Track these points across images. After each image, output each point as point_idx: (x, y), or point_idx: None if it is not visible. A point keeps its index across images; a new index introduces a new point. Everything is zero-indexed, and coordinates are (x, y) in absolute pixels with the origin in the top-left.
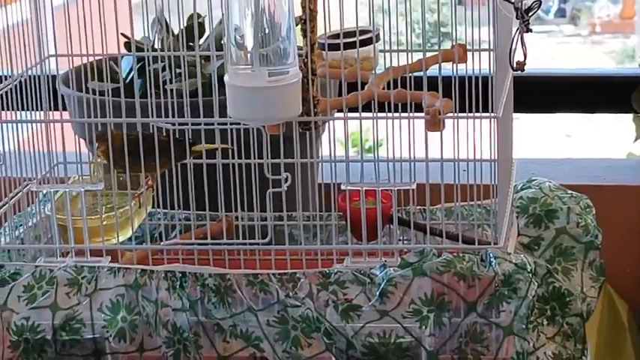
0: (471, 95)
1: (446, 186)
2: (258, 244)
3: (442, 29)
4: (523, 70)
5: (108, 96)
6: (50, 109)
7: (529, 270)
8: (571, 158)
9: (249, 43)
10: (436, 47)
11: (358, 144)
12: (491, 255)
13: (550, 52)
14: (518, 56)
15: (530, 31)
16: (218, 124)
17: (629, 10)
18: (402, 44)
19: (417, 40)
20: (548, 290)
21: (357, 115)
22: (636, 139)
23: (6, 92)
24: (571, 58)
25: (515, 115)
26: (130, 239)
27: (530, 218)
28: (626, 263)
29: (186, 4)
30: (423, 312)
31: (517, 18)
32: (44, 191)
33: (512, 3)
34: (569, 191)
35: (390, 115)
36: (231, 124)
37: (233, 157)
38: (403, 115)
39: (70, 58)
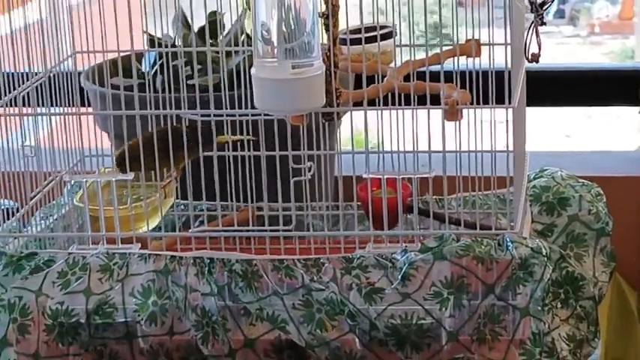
0: (486, 88)
1: (461, 177)
2: (283, 230)
3: (449, 30)
4: (537, 61)
5: (133, 91)
6: (76, 105)
7: (544, 254)
8: (579, 151)
9: (275, 38)
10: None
11: (374, 137)
12: (508, 240)
13: (549, 52)
14: (533, 48)
15: (545, 24)
16: (240, 115)
17: (628, 11)
18: (417, 40)
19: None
20: (561, 275)
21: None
22: None
23: (36, 88)
24: (570, 58)
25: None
26: (158, 228)
27: (543, 206)
28: (634, 252)
29: (207, 3)
30: (444, 294)
31: (532, 12)
32: (72, 182)
33: None
34: (581, 180)
35: (409, 106)
36: (252, 115)
37: (256, 149)
38: (424, 106)
39: (94, 55)
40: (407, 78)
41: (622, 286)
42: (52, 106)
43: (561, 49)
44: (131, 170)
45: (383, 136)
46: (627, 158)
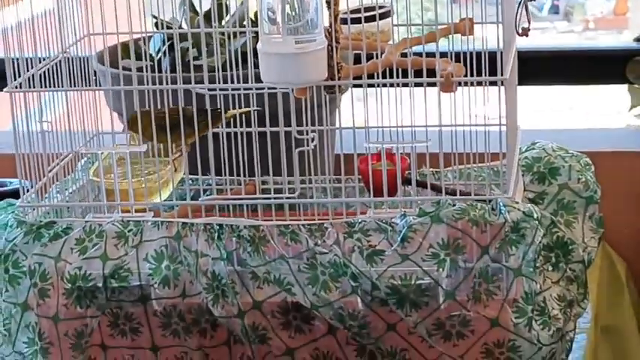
0: (480, 65)
1: (457, 152)
2: (290, 198)
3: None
4: (527, 35)
5: (144, 71)
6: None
7: (535, 217)
8: (571, 128)
9: (280, 19)
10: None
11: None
12: (502, 204)
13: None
14: (524, 23)
15: None
16: (245, 89)
17: (622, 6)
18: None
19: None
20: (552, 239)
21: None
22: (631, 108)
23: (49, 69)
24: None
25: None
26: (169, 199)
27: (534, 176)
28: (624, 224)
29: None
30: (441, 255)
31: None
32: (86, 158)
33: None
34: (570, 151)
35: (406, 79)
36: (257, 89)
37: (261, 125)
38: (420, 79)
39: (104, 37)
40: (405, 55)
41: (612, 257)
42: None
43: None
44: (142, 136)
45: (382, 110)
46: (618, 135)
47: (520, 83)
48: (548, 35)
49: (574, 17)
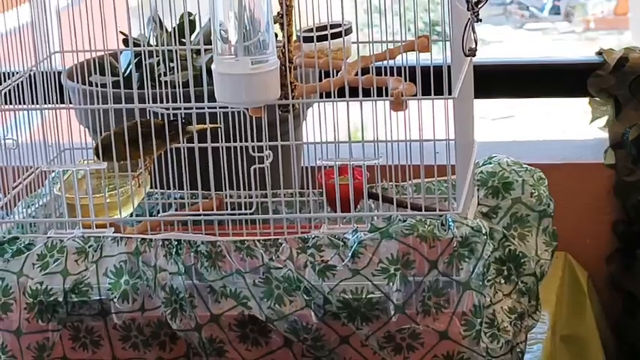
0: (436, 81)
1: (417, 165)
2: (245, 214)
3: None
4: (474, 55)
5: (111, 87)
6: (57, 102)
7: (484, 233)
8: (533, 140)
9: (233, 37)
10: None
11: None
12: (450, 219)
13: (544, 49)
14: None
15: (480, 21)
16: (208, 108)
17: (622, 6)
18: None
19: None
20: (504, 253)
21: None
22: (592, 121)
23: (16, 86)
24: (565, 55)
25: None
26: (130, 215)
27: (489, 190)
28: (586, 234)
29: (178, 4)
30: (390, 270)
31: (468, 10)
32: (53, 174)
33: None
34: (525, 165)
35: (356, 99)
36: (220, 107)
37: (222, 141)
38: (370, 98)
39: (73, 55)
40: (367, 72)
41: (574, 267)
42: (32, 103)
43: (557, 45)
44: (105, 160)
45: (338, 127)
46: (584, 146)
47: (482, 96)
48: (549, 37)
49: (575, 18)
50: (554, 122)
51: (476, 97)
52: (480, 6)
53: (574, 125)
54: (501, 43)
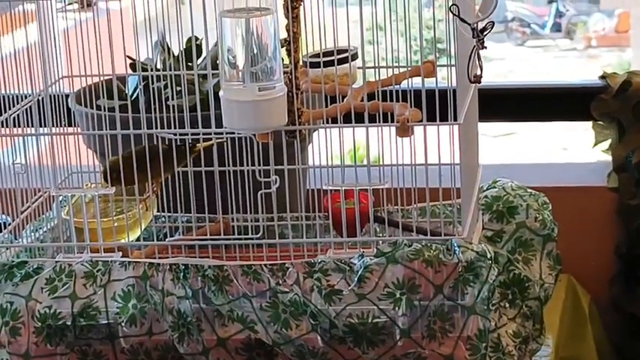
0: (441, 104)
1: (422, 189)
2: (252, 239)
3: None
4: (480, 82)
5: (118, 111)
6: (64, 126)
7: (489, 257)
8: (538, 163)
9: (241, 62)
10: (413, 63)
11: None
12: (456, 244)
13: (546, 66)
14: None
15: (485, 48)
16: (215, 134)
17: (624, 23)
18: (382, 61)
19: (414, 57)
20: (509, 277)
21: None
22: (595, 145)
23: (25, 110)
24: (567, 72)
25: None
26: (138, 239)
27: (493, 214)
28: (589, 257)
29: (185, 28)
30: (396, 295)
31: (473, 37)
32: (61, 197)
33: (469, 24)
34: (529, 190)
35: (362, 124)
36: (226, 133)
37: (228, 165)
38: (376, 124)
39: (81, 78)
40: (374, 97)
41: (576, 289)
42: (40, 126)
43: (558, 62)
44: (113, 185)
45: (344, 151)
46: (587, 169)
47: (485, 119)
48: (550, 54)
49: (576, 35)
50: (556, 139)
51: (479, 120)
52: (485, 33)
53: (576, 143)
54: (503, 60)
